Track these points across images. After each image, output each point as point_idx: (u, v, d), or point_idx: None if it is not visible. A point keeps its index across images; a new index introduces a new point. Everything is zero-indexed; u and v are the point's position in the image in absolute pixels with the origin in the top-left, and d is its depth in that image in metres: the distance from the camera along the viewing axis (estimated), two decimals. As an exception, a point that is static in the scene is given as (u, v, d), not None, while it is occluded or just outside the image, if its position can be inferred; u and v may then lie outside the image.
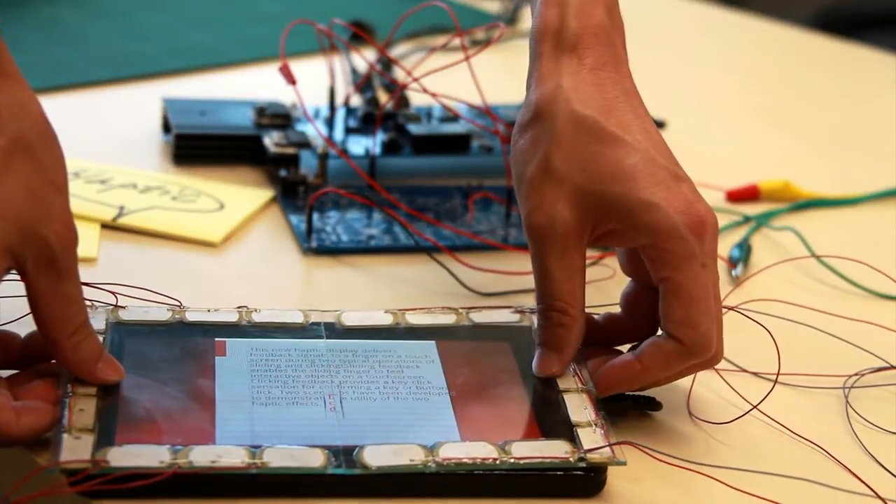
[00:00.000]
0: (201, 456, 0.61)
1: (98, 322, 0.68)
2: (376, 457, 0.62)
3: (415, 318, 0.73)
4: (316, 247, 0.83)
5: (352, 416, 0.65)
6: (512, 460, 0.62)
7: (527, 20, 1.27)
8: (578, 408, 0.66)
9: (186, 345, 0.69)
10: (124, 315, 0.70)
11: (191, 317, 0.71)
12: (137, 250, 0.82)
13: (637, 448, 0.66)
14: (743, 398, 0.71)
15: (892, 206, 0.98)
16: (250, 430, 0.63)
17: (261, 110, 0.95)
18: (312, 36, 0.93)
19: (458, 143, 0.94)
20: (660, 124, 0.98)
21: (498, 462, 0.62)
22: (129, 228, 0.84)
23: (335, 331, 0.71)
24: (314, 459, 0.61)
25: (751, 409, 0.69)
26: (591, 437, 0.64)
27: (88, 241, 0.82)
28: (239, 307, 0.72)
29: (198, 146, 0.93)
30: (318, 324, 0.72)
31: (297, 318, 0.71)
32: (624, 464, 0.63)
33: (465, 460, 0.62)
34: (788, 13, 1.57)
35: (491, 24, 1.12)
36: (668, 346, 0.66)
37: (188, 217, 0.85)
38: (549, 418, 0.66)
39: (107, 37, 1.15)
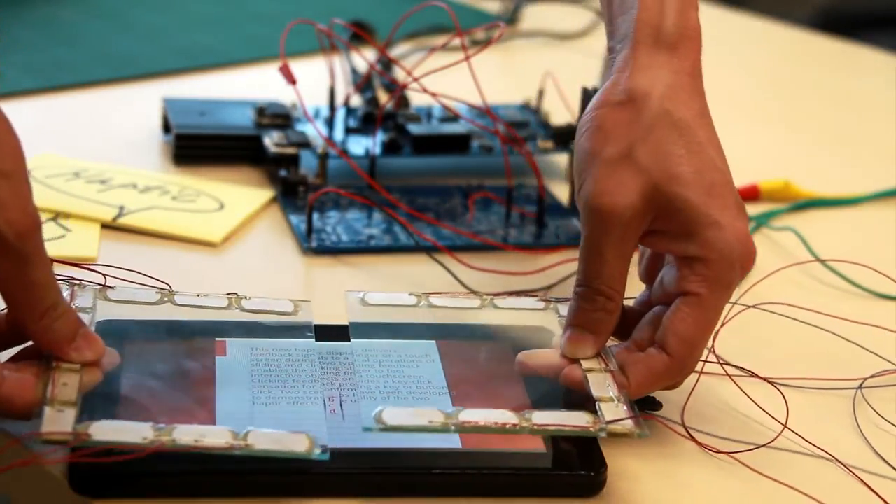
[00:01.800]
0: (185, 434, 0.60)
1: (85, 300, 0.68)
2: (395, 417, 0.62)
3: (439, 301, 0.73)
4: (316, 247, 0.83)
5: (352, 418, 0.65)
6: (532, 426, 0.62)
7: (527, 20, 1.27)
8: (601, 385, 0.66)
9: (187, 344, 0.69)
10: (112, 295, 0.70)
11: (180, 300, 0.70)
12: (137, 250, 0.82)
13: (659, 422, 0.66)
14: (770, 415, 0.70)
15: (892, 206, 0.98)
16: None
17: (261, 110, 0.95)
18: (312, 36, 0.93)
19: (458, 143, 0.94)
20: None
21: (517, 427, 0.62)
22: (130, 228, 0.84)
23: (336, 331, 0.71)
24: (299, 444, 0.61)
25: (781, 432, 0.68)
26: (614, 411, 0.64)
27: (88, 240, 0.82)
28: (229, 294, 0.71)
29: (198, 146, 0.93)
30: (318, 325, 0.72)
31: (287, 308, 0.71)
32: (647, 436, 0.63)
33: (483, 423, 0.62)
34: (788, 13, 1.57)
35: (491, 24, 1.12)
36: (658, 363, 0.66)
37: (188, 217, 0.85)
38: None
39: (107, 37, 1.15)
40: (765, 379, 0.72)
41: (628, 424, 0.63)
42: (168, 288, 0.71)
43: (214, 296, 0.71)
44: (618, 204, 0.66)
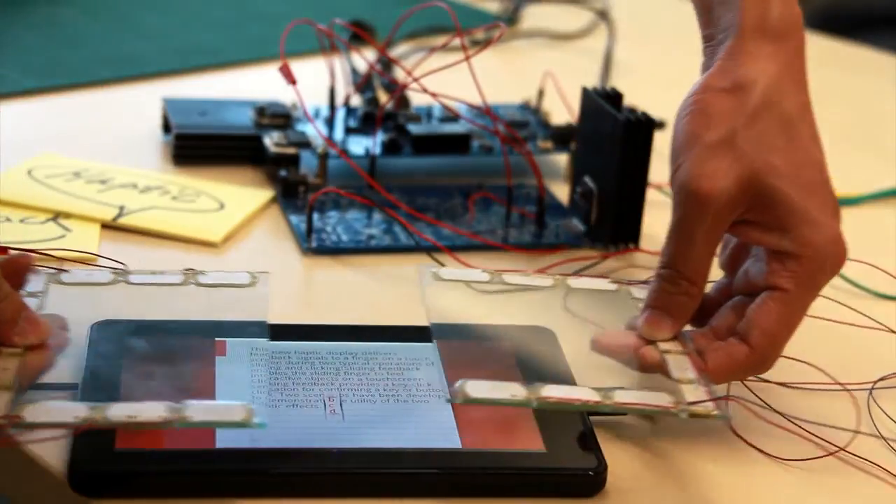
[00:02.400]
0: (119, 411, 0.60)
1: (36, 285, 0.68)
2: (477, 389, 0.62)
3: (511, 278, 0.73)
4: (316, 247, 0.83)
5: (352, 419, 0.65)
6: (614, 405, 0.62)
7: (527, 20, 1.27)
8: (681, 367, 0.66)
9: (186, 345, 0.69)
10: (66, 278, 0.69)
11: (135, 279, 0.70)
12: (138, 250, 0.82)
13: (741, 404, 0.66)
14: (819, 438, 0.70)
15: (892, 206, 0.98)
16: (250, 433, 0.63)
17: (261, 110, 0.95)
18: (313, 36, 0.93)
19: (458, 143, 0.94)
20: (660, 124, 0.98)
21: (600, 404, 0.62)
22: (130, 228, 0.84)
23: (336, 331, 0.71)
24: (236, 414, 0.60)
25: (836, 452, 0.68)
26: (694, 392, 0.64)
27: (89, 240, 0.82)
28: (185, 270, 0.71)
29: (198, 146, 0.93)
30: (318, 325, 0.72)
31: (244, 280, 0.71)
32: (728, 419, 0.64)
33: (565, 399, 0.62)
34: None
35: (491, 24, 1.12)
36: (739, 353, 0.67)
37: (188, 217, 0.85)
38: (556, 420, 0.66)
39: (107, 37, 1.15)
40: (780, 383, 0.72)
41: (709, 406, 0.63)
42: (123, 267, 0.71)
43: (170, 273, 0.71)
44: (714, 189, 0.66)
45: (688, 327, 0.69)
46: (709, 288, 0.70)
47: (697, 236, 0.67)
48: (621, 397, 0.63)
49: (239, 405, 0.60)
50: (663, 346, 0.68)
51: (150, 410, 0.60)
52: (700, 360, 0.66)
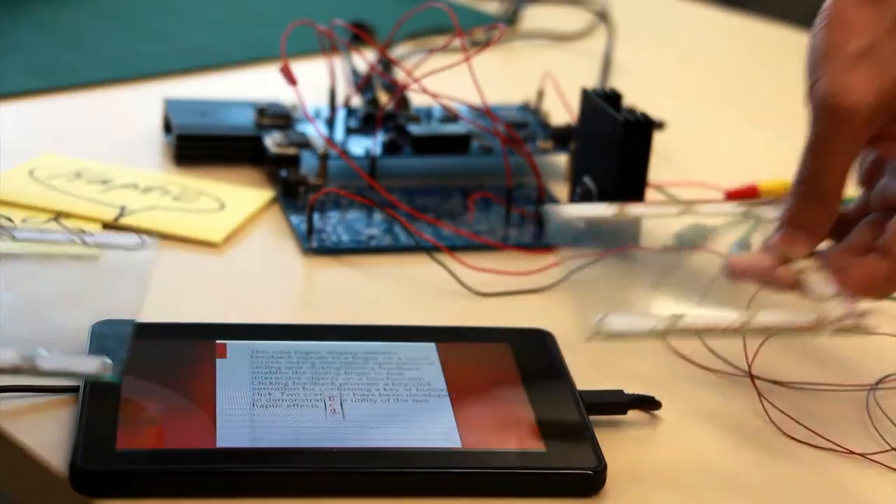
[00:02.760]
0: None
1: None
2: (617, 324, 0.62)
3: (636, 210, 0.74)
4: (316, 247, 0.84)
5: (352, 418, 0.65)
6: (758, 325, 0.63)
7: (527, 21, 1.28)
8: (820, 284, 0.66)
9: (187, 347, 0.69)
10: None
11: (20, 235, 0.70)
12: (138, 251, 0.82)
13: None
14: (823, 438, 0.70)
15: (891, 206, 0.98)
16: (251, 432, 0.63)
17: (262, 111, 0.96)
18: (313, 37, 0.93)
19: (458, 144, 0.95)
20: (660, 124, 0.99)
21: (743, 327, 0.63)
22: (131, 228, 0.84)
23: (336, 332, 0.72)
24: (89, 366, 0.61)
25: (865, 455, 0.68)
26: (837, 308, 0.64)
27: (89, 241, 0.82)
28: (74, 230, 0.71)
29: (199, 146, 0.93)
30: (319, 325, 0.72)
31: (132, 241, 0.71)
32: (874, 330, 0.63)
33: (704, 326, 0.63)
34: (788, 13, 1.57)
35: (491, 25, 1.13)
36: (880, 268, 0.66)
37: (189, 217, 0.86)
38: (556, 420, 0.66)
39: (107, 37, 1.15)
40: (782, 384, 0.72)
41: (856, 320, 0.63)
42: (9, 223, 0.71)
43: (58, 231, 0.71)
44: (856, 103, 0.65)
45: (823, 245, 0.68)
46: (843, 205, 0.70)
47: (836, 152, 0.65)
48: (765, 318, 0.63)
49: (94, 359, 0.61)
50: (800, 264, 0.67)
51: (1, 357, 0.60)
52: (839, 277, 0.66)
